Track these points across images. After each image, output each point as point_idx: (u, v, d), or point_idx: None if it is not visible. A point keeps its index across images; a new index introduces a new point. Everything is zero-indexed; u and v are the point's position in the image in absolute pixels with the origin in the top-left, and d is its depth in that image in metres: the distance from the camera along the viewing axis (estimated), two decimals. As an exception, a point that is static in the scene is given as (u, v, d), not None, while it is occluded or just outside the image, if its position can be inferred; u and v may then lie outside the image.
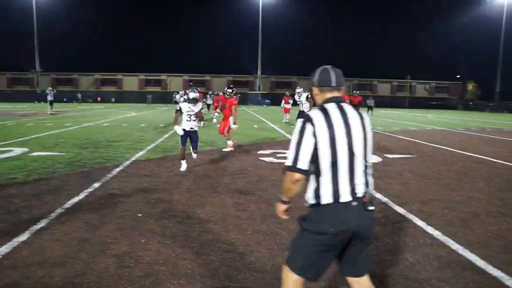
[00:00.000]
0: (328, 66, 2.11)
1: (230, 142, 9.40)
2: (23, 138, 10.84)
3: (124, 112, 28.66)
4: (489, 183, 6.29)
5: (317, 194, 1.94)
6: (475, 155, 9.42)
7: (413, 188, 5.83)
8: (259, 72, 58.37)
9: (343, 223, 1.91)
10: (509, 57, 54.64)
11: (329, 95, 2.06)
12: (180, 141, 6.92)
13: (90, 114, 24.98)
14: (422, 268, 3.13)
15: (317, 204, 1.94)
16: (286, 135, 13.30)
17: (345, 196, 1.91)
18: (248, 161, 7.95)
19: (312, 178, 1.99)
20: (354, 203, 1.93)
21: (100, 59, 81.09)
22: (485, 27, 69.11)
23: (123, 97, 58.56)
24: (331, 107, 1.99)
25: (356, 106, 18.97)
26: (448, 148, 10.51)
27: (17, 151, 8.53)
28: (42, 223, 3.95)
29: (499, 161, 8.54)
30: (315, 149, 1.92)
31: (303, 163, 1.91)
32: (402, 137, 13.56)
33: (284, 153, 9.03)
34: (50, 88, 28.72)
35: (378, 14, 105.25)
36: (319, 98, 2.10)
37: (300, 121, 1.98)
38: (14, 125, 15.17)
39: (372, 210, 1.98)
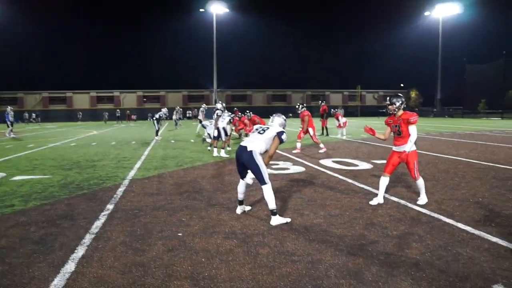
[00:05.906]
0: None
1: (322, 145, 11.45)
2: (-9, 163, 9.95)
3: (83, 131, 27.25)
4: (481, 181, 6.80)
5: None
6: (451, 157, 10.11)
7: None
8: (215, 86, 58.23)
9: None
10: (446, 67, 59.54)
11: None
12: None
13: (48, 134, 23.44)
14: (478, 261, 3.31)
15: None
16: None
17: None
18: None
19: None
20: None
21: (47, 76, 76.82)
22: (424, 39, 74.69)
23: (73, 116, 55.75)
24: None
25: (322, 115, 19.70)
26: (424, 152, 11.17)
27: (-6, 176, 7.84)
28: (80, 251, 3.67)
29: (475, 161, 9.24)
30: None
31: None
32: (373, 143, 14.18)
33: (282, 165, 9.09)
34: (10, 107, 22.75)
35: (328, 28, 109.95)
36: None
37: None
38: (-31, 150, 13.87)
39: None
